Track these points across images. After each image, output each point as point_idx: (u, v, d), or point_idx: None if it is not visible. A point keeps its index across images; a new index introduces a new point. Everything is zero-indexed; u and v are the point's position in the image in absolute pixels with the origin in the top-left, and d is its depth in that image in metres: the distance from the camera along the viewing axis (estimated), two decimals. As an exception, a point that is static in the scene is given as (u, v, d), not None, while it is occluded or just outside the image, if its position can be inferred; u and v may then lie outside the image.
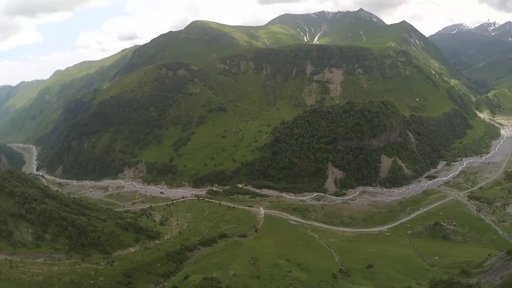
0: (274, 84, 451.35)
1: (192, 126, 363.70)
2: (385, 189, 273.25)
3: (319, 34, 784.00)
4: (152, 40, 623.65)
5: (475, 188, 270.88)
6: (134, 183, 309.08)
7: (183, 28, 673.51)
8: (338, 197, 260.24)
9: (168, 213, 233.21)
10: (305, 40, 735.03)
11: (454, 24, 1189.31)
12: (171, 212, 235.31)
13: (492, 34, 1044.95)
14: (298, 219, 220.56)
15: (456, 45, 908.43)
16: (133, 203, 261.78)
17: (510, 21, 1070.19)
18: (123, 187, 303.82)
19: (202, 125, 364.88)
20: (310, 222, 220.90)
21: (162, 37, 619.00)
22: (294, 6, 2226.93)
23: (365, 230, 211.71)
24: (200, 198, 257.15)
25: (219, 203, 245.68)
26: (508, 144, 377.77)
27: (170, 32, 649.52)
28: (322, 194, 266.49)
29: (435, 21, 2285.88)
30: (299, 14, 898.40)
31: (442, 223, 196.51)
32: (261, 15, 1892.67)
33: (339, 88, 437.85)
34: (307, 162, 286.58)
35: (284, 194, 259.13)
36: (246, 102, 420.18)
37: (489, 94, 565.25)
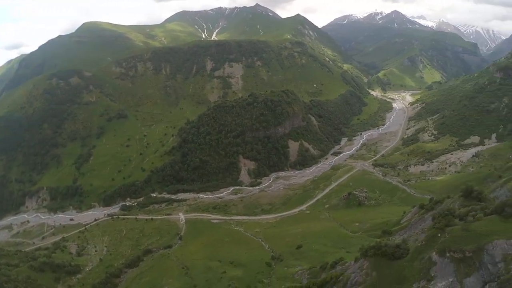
0: (174, 84, 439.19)
1: (92, 139, 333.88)
2: (297, 171, 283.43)
3: (217, 30, 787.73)
4: (40, 47, 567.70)
5: (377, 156, 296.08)
6: (39, 214, 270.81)
7: (74, 31, 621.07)
8: (254, 187, 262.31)
9: (83, 241, 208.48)
10: (204, 36, 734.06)
11: (345, 15, 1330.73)
12: (87, 239, 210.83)
13: (380, 22, 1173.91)
14: (220, 216, 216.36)
15: (347, 33, 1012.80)
16: (43, 238, 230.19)
17: (396, 10, 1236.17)
18: (28, 221, 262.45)
19: (102, 136, 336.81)
20: (232, 217, 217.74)
21: (50, 43, 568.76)
22: (191, 3, 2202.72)
23: (286, 213, 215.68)
24: (114, 216, 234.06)
25: (136, 218, 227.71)
26: (400, 115, 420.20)
27: (60, 36, 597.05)
28: (238, 187, 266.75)
29: (327, 13, 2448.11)
30: (196, 11, 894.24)
31: (355, 192, 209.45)
32: (157, 13, 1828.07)
33: (240, 82, 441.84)
34: (218, 158, 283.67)
35: (201, 195, 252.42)
36: (147, 105, 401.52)
37: (379, 74, 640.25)
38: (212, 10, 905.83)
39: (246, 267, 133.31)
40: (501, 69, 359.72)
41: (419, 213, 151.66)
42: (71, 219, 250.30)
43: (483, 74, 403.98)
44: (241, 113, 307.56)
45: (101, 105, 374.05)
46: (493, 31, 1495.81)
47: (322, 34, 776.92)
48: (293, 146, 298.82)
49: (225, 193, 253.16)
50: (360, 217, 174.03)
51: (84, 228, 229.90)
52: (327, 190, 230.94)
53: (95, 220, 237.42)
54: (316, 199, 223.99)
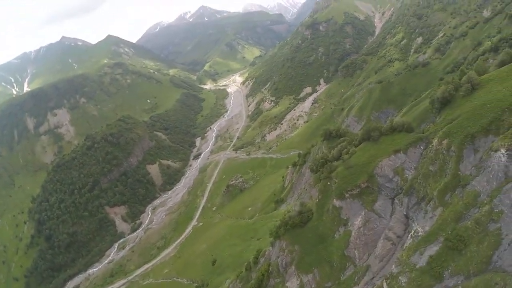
0: (0, 161, 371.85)
1: None
2: (169, 192, 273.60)
3: (27, 79, 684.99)
4: None
5: (234, 141, 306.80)
6: None
7: None
8: (137, 231, 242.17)
9: None
10: (15, 92, 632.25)
11: (156, 23, 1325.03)
12: None
13: (191, 20, 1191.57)
14: (122, 281, 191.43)
15: (163, 40, 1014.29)
16: None
17: (203, 6, 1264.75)
18: None
19: None
20: (134, 274, 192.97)
21: None
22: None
23: (182, 237, 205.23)
24: None
25: None
26: (238, 97, 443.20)
27: None
28: (122, 240, 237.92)
29: (138, 25, 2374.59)
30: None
31: (231, 182, 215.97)
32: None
33: (71, 129, 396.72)
34: (85, 222, 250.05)
35: (90, 271, 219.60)
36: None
37: (205, 67, 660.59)
38: (15, 58, 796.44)
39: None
40: (308, 27, 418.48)
41: (295, 171, 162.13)
42: None
43: (295, 36, 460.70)
44: (85, 162, 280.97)
45: None
46: None
47: (139, 48, 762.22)
48: (153, 170, 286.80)
49: (113, 254, 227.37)
50: (248, 201, 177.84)
51: None
52: (206, 194, 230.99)
53: None
54: (201, 207, 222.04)
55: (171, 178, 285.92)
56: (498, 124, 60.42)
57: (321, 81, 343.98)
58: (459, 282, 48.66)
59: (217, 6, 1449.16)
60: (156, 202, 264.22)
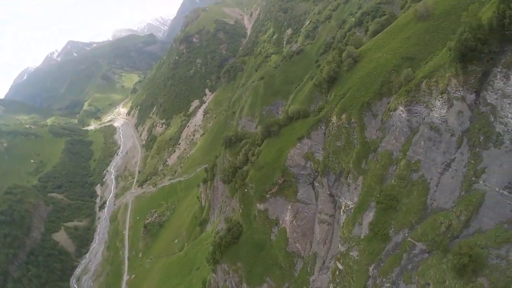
0: None
1: None
2: (87, 255, 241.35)
3: None
4: None
5: (136, 176, 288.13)
6: None
7: None
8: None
9: None
10: None
11: (21, 72, 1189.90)
12: None
13: (59, 59, 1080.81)
14: None
15: (33, 88, 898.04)
16: None
17: (70, 40, 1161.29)
18: None
19: None
20: None
21: None
22: None
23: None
24: None
25: None
26: (127, 129, 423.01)
27: None
28: None
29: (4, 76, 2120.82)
30: None
31: (147, 221, 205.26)
32: None
33: None
34: None
35: None
36: None
37: (85, 107, 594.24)
38: None
39: None
40: (182, 41, 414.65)
41: (208, 187, 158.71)
42: None
43: (170, 53, 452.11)
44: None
45: None
46: (161, 17, 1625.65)
47: (9, 103, 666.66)
48: (61, 237, 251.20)
49: None
50: (172, 234, 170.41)
51: None
52: (126, 242, 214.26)
53: None
54: (126, 259, 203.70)
55: (83, 240, 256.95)
56: (389, 86, 65.15)
57: (207, 91, 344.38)
58: (406, 234, 52.09)
59: (85, 39, 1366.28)
60: (77, 271, 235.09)
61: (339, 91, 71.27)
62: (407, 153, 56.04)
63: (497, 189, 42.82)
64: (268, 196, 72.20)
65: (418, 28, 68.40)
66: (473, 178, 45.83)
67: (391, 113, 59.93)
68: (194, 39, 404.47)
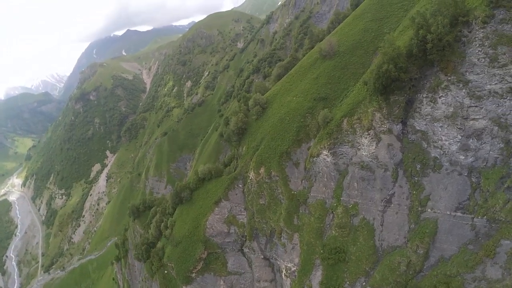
0: None
1: None
2: None
3: None
4: None
5: (41, 260, 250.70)
6: None
7: None
8: None
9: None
10: None
11: None
12: None
13: None
14: None
15: None
16: None
17: None
18: None
19: None
20: None
21: None
22: None
23: None
24: None
25: None
26: (23, 204, 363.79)
27: None
28: None
29: None
30: None
31: None
32: None
33: None
34: None
35: None
36: None
37: None
38: None
39: None
40: (78, 100, 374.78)
41: (122, 266, 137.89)
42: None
43: (66, 113, 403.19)
44: None
45: None
46: (57, 73, 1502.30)
47: None
48: None
49: None
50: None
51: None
52: None
53: None
54: None
55: None
56: (306, 130, 58.31)
57: (108, 152, 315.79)
58: (364, 283, 47.14)
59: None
60: None
61: (251, 142, 63.26)
62: (341, 198, 50.97)
63: (448, 213, 40.76)
64: (193, 275, 59.85)
65: (326, 67, 64.26)
66: (420, 208, 43.19)
67: (314, 159, 53.28)
68: (91, 97, 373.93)
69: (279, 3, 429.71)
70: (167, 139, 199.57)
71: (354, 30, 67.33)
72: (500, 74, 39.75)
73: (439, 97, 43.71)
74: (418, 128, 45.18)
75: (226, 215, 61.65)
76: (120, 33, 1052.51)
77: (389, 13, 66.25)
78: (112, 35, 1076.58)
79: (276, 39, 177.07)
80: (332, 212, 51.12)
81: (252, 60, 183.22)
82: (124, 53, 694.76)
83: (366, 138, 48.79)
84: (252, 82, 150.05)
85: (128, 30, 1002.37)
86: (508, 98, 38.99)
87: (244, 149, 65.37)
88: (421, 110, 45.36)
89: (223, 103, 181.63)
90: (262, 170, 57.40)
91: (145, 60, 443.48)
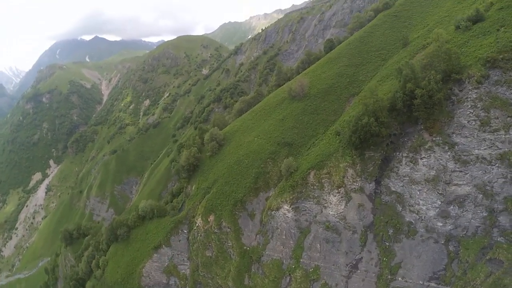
0: None
1: None
2: None
3: None
4: None
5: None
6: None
7: None
8: None
9: None
10: None
11: None
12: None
13: None
14: None
15: None
16: None
17: None
18: None
19: None
20: None
21: None
22: None
23: None
24: None
25: None
26: None
27: None
28: None
29: None
30: None
31: None
32: None
33: None
34: None
35: None
36: None
37: None
38: None
39: None
40: (30, 99, 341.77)
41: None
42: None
43: (16, 111, 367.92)
44: None
45: None
46: (15, 67, 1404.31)
47: None
48: None
49: None
50: None
51: None
52: None
53: None
54: None
55: None
56: (265, 178, 50.28)
57: (51, 162, 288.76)
58: None
59: None
60: None
61: (202, 182, 54.58)
62: (301, 260, 43.36)
63: (421, 283, 35.76)
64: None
65: (294, 109, 57.22)
66: (389, 276, 37.68)
67: (272, 212, 45.46)
68: (44, 99, 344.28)
69: (250, 36, 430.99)
70: (116, 158, 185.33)
71: (327, 73, 61.97)
72: (491, 139, 36.20)
73: (421, 158, 39.31)
74: (394, 189, 40.22)
75: (166, 264, 52.03)
76: (88, 38, 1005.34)
77: (366, 60, 62.01)
78: (79, 39, 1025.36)
79: (241, 71, 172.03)
80: (289, 274, 43.59)
81: (215, 89, 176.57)
82: (87, 60, 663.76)
83: (335, 196, 42.27)
84: (212, 111, 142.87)
85: (96, 36, 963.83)
86: (497, 165, 35.31)
87: (193, 188, 56.73)
88: (398, 170, 40.46)
89: (179, 128, 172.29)
90: (211, 218, 48.88)
91: (107, 71, 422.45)
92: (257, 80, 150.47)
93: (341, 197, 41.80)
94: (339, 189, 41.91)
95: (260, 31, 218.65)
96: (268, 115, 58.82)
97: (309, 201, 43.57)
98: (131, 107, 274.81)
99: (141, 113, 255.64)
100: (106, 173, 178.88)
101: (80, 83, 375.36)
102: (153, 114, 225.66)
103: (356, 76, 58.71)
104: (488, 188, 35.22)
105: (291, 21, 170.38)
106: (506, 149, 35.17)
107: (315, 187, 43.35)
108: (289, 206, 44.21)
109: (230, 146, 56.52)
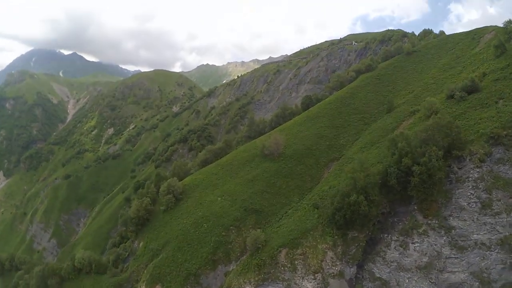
0: None
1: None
2: None
3: None
4: None
5: None
6: None
7: None
8: None
9: None
10: None
11: None
12: None
13: None
14: None
15: None
16: None
17: None
18: None
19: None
20: None
21: None
22: None
23: None
24: None
25: None
26: None
27: None
28: None
29: None
30: None
31: None
32: None
33: None
34: None
35: None
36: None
37: None
38: None
39: None
40: None
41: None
42: None
43: None
44: None
45: None
46: None
47: None
48: None
49: None
50: None
51: None
52: None
53: None
54: None
55: None
56: (226, 249, 40.32)
57: (0, 173, 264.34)
58: None
59: None
60: None
61: (151, 242, 44.81)
62: None
63: None
64: None
65: (266, 169, 49.36)
66: None
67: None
68: (7, 104, 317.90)
69: (224, 81, 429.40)
70: (68, 184, 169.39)
71: (305, 133, 55.30)
72: (492, 223, 32.57)
73: (412, 243, 33.60)
74: (378, 275, 34.08)
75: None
76: (66, 52, 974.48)
77: (347, 122, 56.06)
78: (57, 51, 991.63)
79: (212, 114, 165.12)
80: None
81: (183, 128, 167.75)
82: (61, 74, 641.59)
83: (310, 282, 34.45)
84: (176, 151, 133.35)
85: (75, 53, 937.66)
86: (496, 250, 31.83)
87: (140, 246, 46.80)
88: (386, 254, 34.21)
89: (139, 164, 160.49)
90: (157, 289, 39.00)
91: (77, 90, 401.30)
92: (226, 126, 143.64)
93: (317, 284, 34.20)
94: (316, 275, 34.05)
95: (236, 77, 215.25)
96: (235, 172, 50.79)
97: (277, 284, 35.22)
98: (93, 132, 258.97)
99: (103, 141, 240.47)
100: (55, 199, 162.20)
101: (47, 96, 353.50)
102: (115, 144, 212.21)
103: (337, 139, 52.50)
104: (485, 275, 31.73)
105: (267, 72, 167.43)
106: (507, 233, 31.66)
107: (286, 268, 35.30)
108: (252, 287, 35.32)
109: (188, 203, 47.50)
